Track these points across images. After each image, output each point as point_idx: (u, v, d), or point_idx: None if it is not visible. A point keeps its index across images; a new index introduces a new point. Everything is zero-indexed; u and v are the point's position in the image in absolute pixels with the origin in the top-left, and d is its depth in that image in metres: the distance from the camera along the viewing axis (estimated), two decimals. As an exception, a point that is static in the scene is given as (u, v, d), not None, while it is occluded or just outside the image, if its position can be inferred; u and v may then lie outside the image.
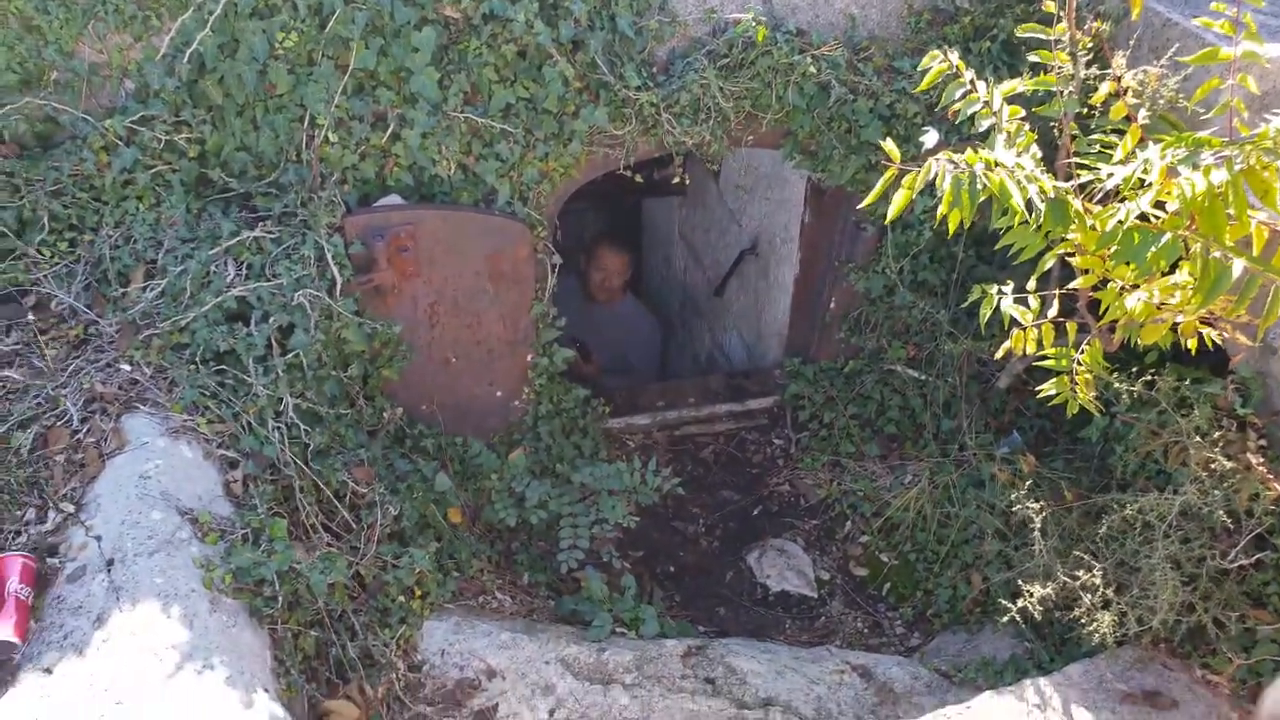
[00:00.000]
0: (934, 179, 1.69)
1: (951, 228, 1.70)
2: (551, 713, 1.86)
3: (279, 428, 1.95)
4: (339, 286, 2.02)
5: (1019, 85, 1.83)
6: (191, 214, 2.03)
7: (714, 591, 2.41)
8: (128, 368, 1.94)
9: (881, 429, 2.55)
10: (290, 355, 1.97)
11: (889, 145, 1.61)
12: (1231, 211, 1.62)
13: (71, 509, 1.72)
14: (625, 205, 4.21)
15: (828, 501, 2.55)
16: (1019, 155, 1.77)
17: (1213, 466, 1.83)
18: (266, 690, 1.56)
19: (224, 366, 1.94)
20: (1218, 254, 1.61)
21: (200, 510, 1.79)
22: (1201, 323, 1.78)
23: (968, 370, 2.43)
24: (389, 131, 2.05)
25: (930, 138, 2.32)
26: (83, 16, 1.95)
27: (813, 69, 2.13)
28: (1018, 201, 1.68)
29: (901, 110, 2.21)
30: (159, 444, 1.83)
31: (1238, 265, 1.58)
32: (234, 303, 1.95)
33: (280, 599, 1.74)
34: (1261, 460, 1.85)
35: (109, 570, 1.61)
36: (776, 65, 2.12)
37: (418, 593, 1.98)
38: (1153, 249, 1.67)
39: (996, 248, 2.04)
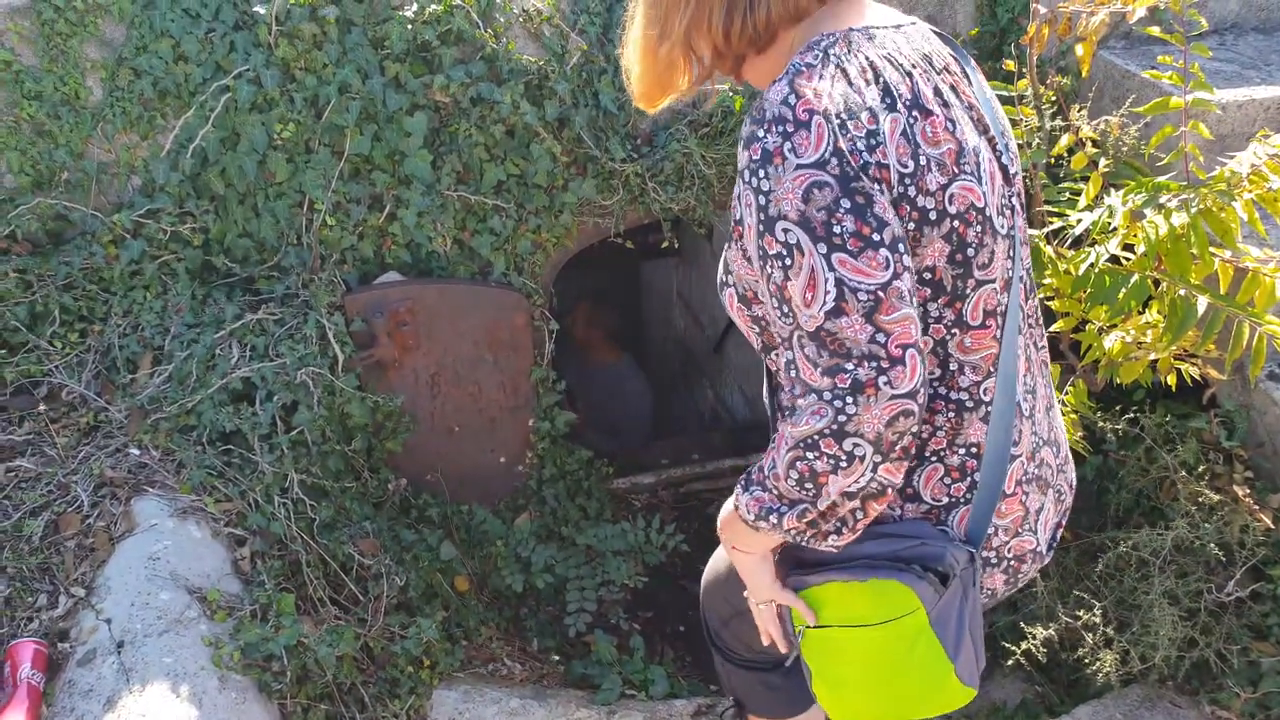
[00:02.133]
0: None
1: None
2: (563, 779, 1.86)
3: (285, 504, 1.99)
4: (341, 363, 2.08)
5: (986, 140, 1.92)
6: (197, 300, 2.11)
7: (722, 648, 2.40)
8: (136, 452, 1.99)
9: (881, 476, 2.57)
10: (294, 432, 2.02)
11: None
12: (1195, 251, 1.69)
13: (82, 593, 1.75)
14: (623, 269, 4.31)
15: (829, 551, 2.55)
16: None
17: (1201, 500, 1.86)
18: (277, 768, 1.57)
19: (230, 446, 1.99)
20: (1183, 292, 1.67)
21: (209, 589, 1.82)
22: (1176, 359, 1.83)
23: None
24: (385, 212, 2.14)
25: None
26: (91, 120, 2.06)
27: (789, 133, 2.22)
28: None
29: (877, 167, 2.30)
30: (167, 525, 1.87)
31: (1202, 302, 1.64)
32: (239, 384, 2.01)
33: (289, 674, 1.76)
34: (1248, 492, 1.88)
35: (119, 652, 1.64)
36: (754, 131, 2.21)
37: (426, 662, 1.99)
38: (1123, 290, 1.74)
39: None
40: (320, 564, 2.00)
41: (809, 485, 0.92)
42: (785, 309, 0.92)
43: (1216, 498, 1.88)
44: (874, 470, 0.91)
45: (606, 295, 3.22)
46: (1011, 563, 1.13)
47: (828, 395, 0.89)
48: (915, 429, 0.90)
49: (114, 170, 2.12)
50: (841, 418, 0.88)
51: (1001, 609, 2.17)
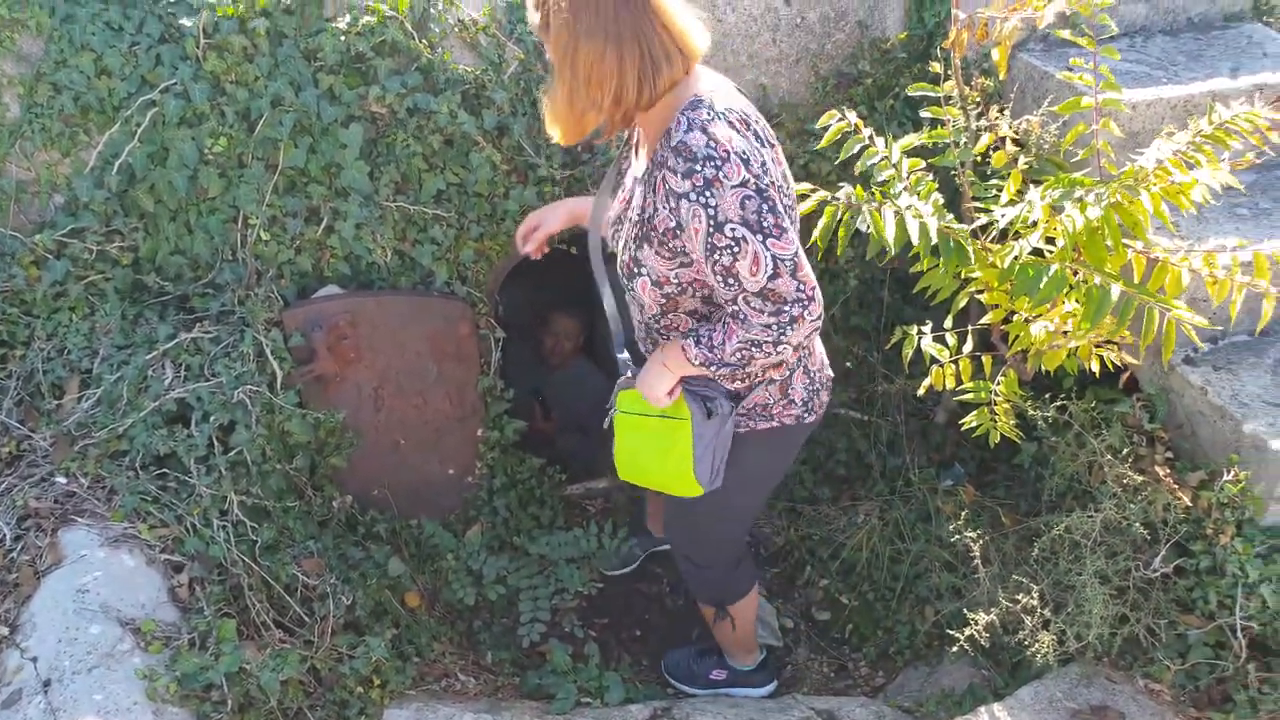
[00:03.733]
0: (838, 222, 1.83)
1: (840, 249, 1.83)
2: (520, 791, 1.84)
3: (225, 526, 1.94)
4: (280, 380, 2.04)
5: (915, 139, 1.98)
6: (127, 321, 2.04)
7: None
8: (63, 480, 1.92)
9: (832, 472, 2.63)
10: (233, 453, 1.98)
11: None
12: (1109, 243, 1.77)
13: (5, 631, 1.68)
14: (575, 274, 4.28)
15: (786, 549, 2.59)
16: (920, 201, 1.91)
17: (1126, 482, 1.94)
18: (223, 798, 1.52)
19: (165, 470, 1.93)
20: (1098, 281, 1.74)
21: (143, 619, 1.76)
22: (1097, 346, 1.91)
23: (906, 408, 2.53)
24: (323, 225, 2.11)
25: (843, 194, 2.47)
26: (9, 137, 1.99)
27: (725, 138, 2.26)
28: (889, 236, 1.80)
29: (816, 169, 2.36)
30: (98, 555, 1.80)
31: (1115, 290, 1.72)
32: (173, 405, 1.95)
33: (230, 702, 1.71)
34: (1169, 472, 1.97)
35: (45, 692, 1.57)
36: (691, 137, 2.25)
37: (376, 682, 1.95)
38: (1044, 281, 1.81)
39: (914, 290, 2.16)
40: (263, 587, 1.95)
41: (743, 359, 1.46)
42: (731, 280, 1.39)
43: (1140, 479, 1.96)
44: (784, 358, 1.49)
45: (564, 300, 3.21)
46: (825, 383, 1.77)
47: (773, 324, 1.40)
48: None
49: (34, 189, 2.05)
50: (781, 336, 1.41)
51: (947, 597, 2.23)
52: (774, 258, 1.34)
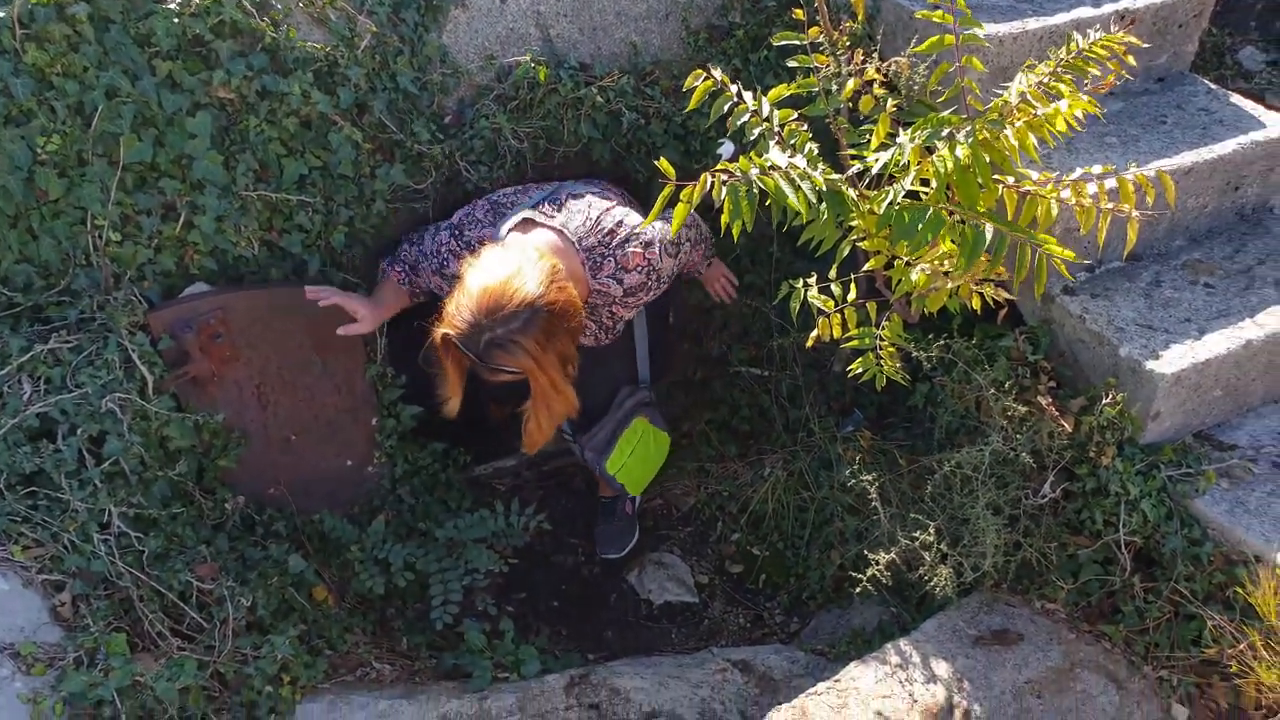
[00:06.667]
0: (710, 190, 1.78)
1: (735, 235, 1.79)
2: (434, 774, 1.84)
3: (106, 540, 1.87)
4: (151, 385, 1.96)
5: (785, 91, 1.95)
6: (-24, 337, 1.94)
7: (600, 617, 2.43)
8: (-78, 510, 1.83)
9: (737, 429, 2.64)
10: (107, 464, 1.90)
11: (664, 163, 1.67)
12: (981, 181, 1.78)
13: (-126, 674, 1.61)
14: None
15: (697, 507, 2.61)
16: (793, 155, 1.89)
17: (1011, 414, 1.98)
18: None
19: (34, 488, 1.85)
20: (971, 221, 1.75)
21: (22, 642, 1.70)
22: (976, 284, 1.93)
23: (804, 360, 2.54)
24: (181, 220, 2.01)
25: (727, 149, 2.44)
26: None
27: (600, 99, 2.21)
28: (793, 199, 1.78)
29: (694, 127, 2.32)
30: (-34, 584, 1.73)
31: (989, 230, 1.73)
32: (35, 421, 1.86)
33: (124, 716, 1.67)
34: (1051, 401, 2.01)
35: (-83, 730, 1.52)
36: (565, 101, 2.19)
37: (285, 679, 1.93)
38: (920, 224, 1.81)
39: (799, 243, 2.16)
40: (155, 597, 1.90)
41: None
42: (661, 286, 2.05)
43: (1025, 410, 2.00)
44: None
45: None
46: None
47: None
48: None
49: None
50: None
51: (851, 541, 2.27)
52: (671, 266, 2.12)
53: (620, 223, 1.94)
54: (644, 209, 2.24)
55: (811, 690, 1.88)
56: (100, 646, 1.76)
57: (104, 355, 1.94)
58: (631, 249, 1.91)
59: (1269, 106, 2.36)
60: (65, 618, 1.80)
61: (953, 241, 1.85)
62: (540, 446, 1.94)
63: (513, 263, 1.73)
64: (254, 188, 2.02)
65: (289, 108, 1.98)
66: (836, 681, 1.89)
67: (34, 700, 1.61)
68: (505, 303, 1.69)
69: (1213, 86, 2.42)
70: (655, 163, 2.28)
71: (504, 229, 1.93)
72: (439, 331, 1.75)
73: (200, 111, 1.94)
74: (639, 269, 1.94)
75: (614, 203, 2.01)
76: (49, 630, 1.77)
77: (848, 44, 2.09)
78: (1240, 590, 1.80)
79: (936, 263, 1.90)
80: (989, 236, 1.74)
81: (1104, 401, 2.00)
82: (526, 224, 1.93)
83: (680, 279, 2.41)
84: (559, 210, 1.94)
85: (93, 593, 1.84)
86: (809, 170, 1.85)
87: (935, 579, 1.97)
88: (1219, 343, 1.99)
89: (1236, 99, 2.36)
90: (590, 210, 1.94)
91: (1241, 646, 1.76)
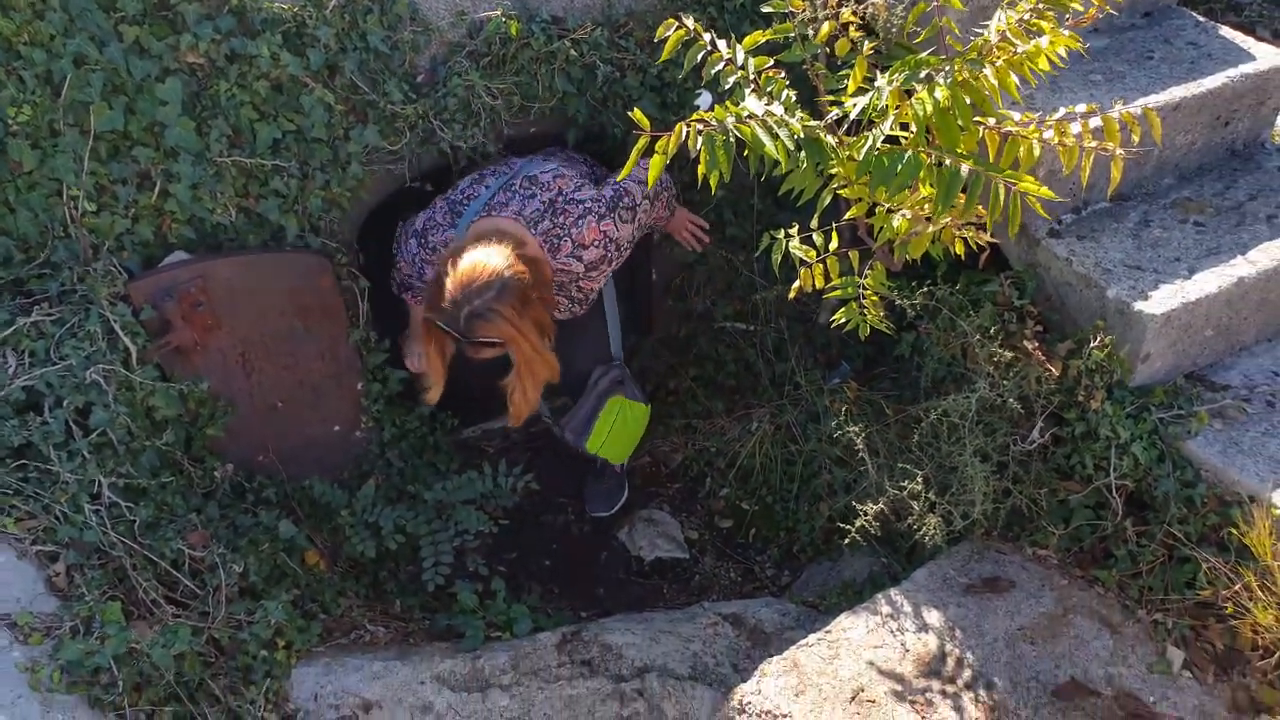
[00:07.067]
0: (686, 140, 1.75)
1: (713, 186, 1.76)
2: (429, 730, 1.87)
3: (97, 510, 1.89)
4: (135, 355, 1.97)
5: (760, 38, 1.91)
6: (-43, 312, 1.94)
7: (591, 575, 2.45)
8: (-91, 486, 1.85)
9: (723, 384, 2.64)
10: (95, 435, 1.91)
11: (638, 114, 1.64)
12: (961, 122, 1.74)
13: None
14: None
15: (686, 464, 2.62)
16: (770, 103, 1.85)
17: (997, 360, 1.96)
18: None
19: (24, 461, 1.87)
20: (947, 162, 1.72)
21: (18, 613, 1.72)
22: (959, 229, 1.90)
23: (788, 313, 2.52)
24: (157, 189, 2.00)
25: (704, 100, 2.39)
26: None
27: (574, 53, 2.17)
28: (771, 148, 1.75)
29: (670, 78, 2.28)
30: (-42, 556, 1.75)
31: (964, 169, 1.70)
32: (21, 394, 1.87)
33: (121, 683, 1.70)
34: (1038, 345, 1.99)
35: (-85, 700, 1.54)
36: (538, 55, 2.16)
37: (280, 644, 1.95)
38: (898, 169, 1.78)
39: (779, 193, 2.13)
40: (148, 565, 1.92)
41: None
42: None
43: (1011, 355, 1.99)
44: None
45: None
46: None
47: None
48: None
49: None
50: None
51: (840, 492, 2.27)
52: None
53: (571, 201, 2.00)
54: (615, 169, 2.22)
55: (803, 642, 1.89)
56: (95, 615, 1.78)
57: (86, 327, 1.94)
58: (586, 226, 1.98)
59: (1259, 39, 2.30)
60: (60, 588, 1.82)
61: (930, 185, 1.82)
62: (526, 417, 2.03)
63: (478, 251, 1.87)
64: (228, 154, 2.00)
65: (259, 71, 1.95)
66: (828, 633, 1.90)
67: (32, 669, 1.63)
68: (476, 278, 1.82)
69: (1201, 19, 2.36)
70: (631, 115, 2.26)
71: (463, 228, 2.03)
72: (423, 317, 1.92)
73: (170, 77, 1.92)
74: (595, 243, 2.02)
75: (568, 179, 2.04)
76: (45, 600, 1.79)
77: (824, -12, 2.05)
78: (1234, 531, 1.79)
79: (917, 208, 1.88)
80: (965, 175, 1.71)
81: (1092, 345, 1.97)
82: (484, 220, 2.03)
83: (651, 236, 2.39)
84: (513, 197, 2.02)
85: (86, 562, 1.86)
86: (786, 118, 1.82)
87: (924, 528, 1.97)
88: (1210, 281, 1.96)
89: (1226, 31, 2.30)
90: (542, 194, 2.02)
91: (1237, 588, 1.75)
